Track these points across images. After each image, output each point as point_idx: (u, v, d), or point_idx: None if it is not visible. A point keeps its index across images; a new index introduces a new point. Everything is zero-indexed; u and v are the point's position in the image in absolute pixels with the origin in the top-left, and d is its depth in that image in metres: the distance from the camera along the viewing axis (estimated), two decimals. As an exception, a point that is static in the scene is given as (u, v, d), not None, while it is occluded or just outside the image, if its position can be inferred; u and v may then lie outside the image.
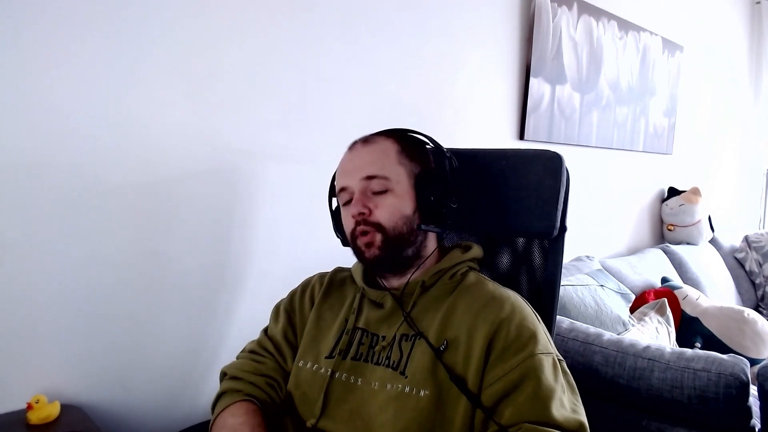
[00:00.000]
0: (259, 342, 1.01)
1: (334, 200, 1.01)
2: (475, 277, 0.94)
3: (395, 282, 0.94)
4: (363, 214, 0.88)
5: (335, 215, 1.00)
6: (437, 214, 0.91)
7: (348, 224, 0.93)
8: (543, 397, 0.77)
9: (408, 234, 0.90)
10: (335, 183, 0.97)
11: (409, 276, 0.92)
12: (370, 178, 0.89)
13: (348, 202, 0.92)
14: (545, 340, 0.84)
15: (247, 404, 0.89)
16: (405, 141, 0.95)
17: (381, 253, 0.89)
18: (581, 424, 0.78)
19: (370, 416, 0.83)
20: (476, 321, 0.84)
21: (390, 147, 0.92)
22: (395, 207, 0.89)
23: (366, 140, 0.94)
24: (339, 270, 1.06)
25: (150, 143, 1.14)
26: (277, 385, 0.94)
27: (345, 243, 0.99)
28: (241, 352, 1.02)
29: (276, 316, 1.03)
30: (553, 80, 2.13)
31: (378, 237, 0.89)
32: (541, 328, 0.86)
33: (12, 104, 0.98)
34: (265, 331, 1.03)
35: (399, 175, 0.90)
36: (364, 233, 0.89)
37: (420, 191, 0.91)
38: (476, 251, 0.98)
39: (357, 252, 0.93)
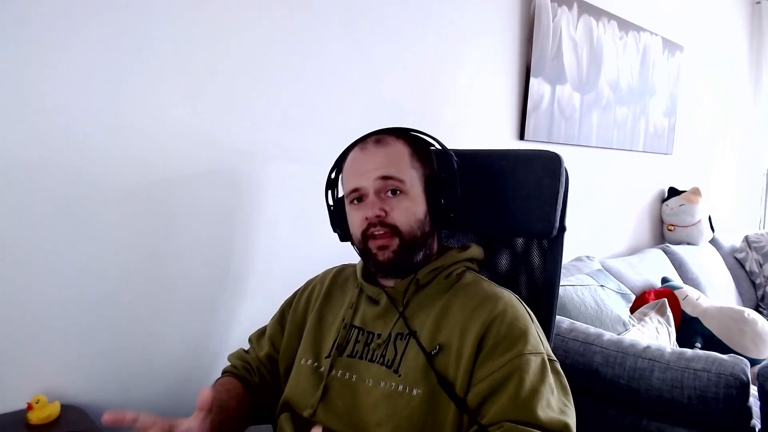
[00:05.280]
0: (253, 335, 1.09)
1: (330, 194, 1.01)
2: (472, 277, 0.94)
3: (393, 281, 0.94)
4: (380, 216, 0.88)
5: (334, 210, 0.99)
6: (447, 218, 0.92)
7: (358, 224, 0.91)
8: (526, 397, 0.77)
9: (421, 238, 0.90)
10: (344, 182, 0.96)
11: (408, 277, 0.92)
12: (386, 178, 0.88)
13: (358, 201, 0.91)
14: (536, 340, 0.84)
15: (226, 377, 1.01)
16: (415, 143, 0.95)
17: (395, 256, 0.88)
18: (566, 426, 0.77)
19: (365, 413, 0.84)
20: (469, 320, 0.84)
21: (403, 149, 0.92)
22: (410, 210, 0.89)
23: (378, 140, 0.93)
24: (343, 268, 1.06)
25: (149, 144, 1.14)
26: (253, 371, 1.02)
27: (343, 238, 0.99)
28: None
29: (277, 311, 1.08)
30: (553, 80, 2.13)
31: (395, 241, 0.88)
32: (533, 328, 0.85)
33: (10, 105, 0.98)
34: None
35: (412, 179, 0.91)
36: (378, 236, 0.88)
37: (431, 195, 0.91)
38: (474, 251, 0.98)
39: (366, 254, 0.91)
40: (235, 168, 1.28)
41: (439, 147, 0.97)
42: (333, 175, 1.00)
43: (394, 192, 0.89)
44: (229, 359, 1.06)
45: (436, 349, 0.84)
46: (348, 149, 0.97)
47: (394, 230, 0.88)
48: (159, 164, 1.16)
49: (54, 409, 1.00)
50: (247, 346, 1.09)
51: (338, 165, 0.99)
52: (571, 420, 0.79)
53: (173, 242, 1.20)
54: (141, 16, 1.10)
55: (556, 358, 0.86)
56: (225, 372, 1.03)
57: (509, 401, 0.77)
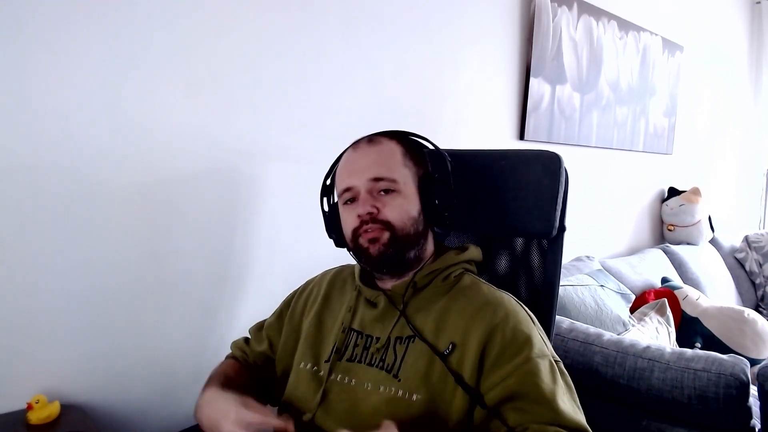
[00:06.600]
0: (253, 329, 1.10)
1: (326, 200, 1.01)
2: (470, 279, 0.93)
3: (390, 283, 0.93)
4: (371, 213, 0.87)
5: (329, 216, 0.99)
6: (441, 218, 0.92)
7: (351, 223, 0.90)
8: (547, 400, 0.78)
9: (414, 235, 0.90)
10: (336, 183, 0.95)
11: (405, 278, 0.92)
12: (377, 179, 0.88)
13: (350, 201, 0.91)
14: (541, 343, 0.84)
15: (230, 360, 1.05)
16: (407, 143, 0.95)
17: (386, 249, 0.87)
18: (584, 426, 0.79)
19: (364, 417, 0.84)
20: (470, 325, 0.84)
21: (395, 148, 0.92)
22: (404, 208, 0.89)
23: (371, 140, 0.93)
24: (343, 268, 1.06)
25: (150, 144, 1.14)
26: (251, 365, 1.04)
27: (338, 244, 0.98)
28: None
29: (276, 309, 1.08)
30: (553, 80, 2.13)
31: (386, 234, 0.87)
32: (536, 331, 0.85)
33: (10, 105, 0.98)
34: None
35: (405, 177, 0.90)
36: (370, 231, 0.88)
37: (425, 194, 0.91)
38: (473, 253, 0.97)
39: (358, 250, 0.90)
40: (235, 168, 1.28)
41: (433, 148, 0.97)
42: (328, 182, 1.00)
43: (386, 191, 0.89)
44: (231, 347, 1.08)
45: (449, 348, 0.83)
46: (342, 154, 0.97)
47: (386, 225, 0.87)
48: (159, 164, 1.16)
49: (54, 409, 1.00)
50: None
51: (333, 171, 0.99)
52: (584, 420, 0.80)
53: (173, 242, 1.20)
54: (141, 17, 1.10)
55: (559, 359, 0.86)
56: (228, 357, 1.06)
57: (530, 405, 0.78)
